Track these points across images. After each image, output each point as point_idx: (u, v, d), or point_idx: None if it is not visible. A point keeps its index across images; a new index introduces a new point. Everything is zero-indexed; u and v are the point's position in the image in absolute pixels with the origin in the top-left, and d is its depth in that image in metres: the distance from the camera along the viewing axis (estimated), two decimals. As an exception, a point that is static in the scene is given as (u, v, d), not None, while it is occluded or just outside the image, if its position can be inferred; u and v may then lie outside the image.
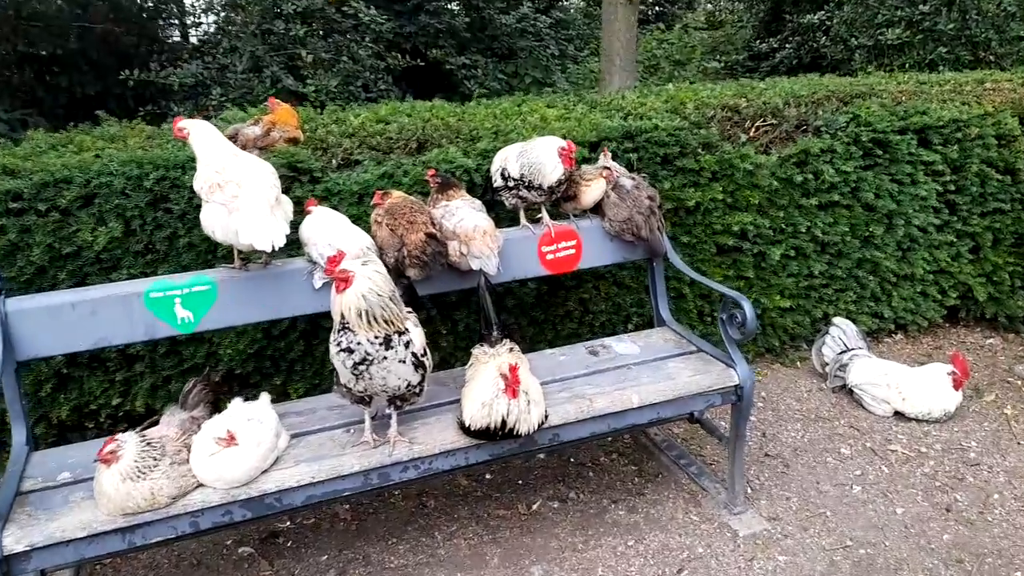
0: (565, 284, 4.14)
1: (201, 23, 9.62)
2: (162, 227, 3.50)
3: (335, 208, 3.62)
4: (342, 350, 2.48)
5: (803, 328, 4.68)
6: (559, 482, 3.62)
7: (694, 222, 4.25)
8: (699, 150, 4.17)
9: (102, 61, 8.40)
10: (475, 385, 2.79)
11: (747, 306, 3.07)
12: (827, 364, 4.41)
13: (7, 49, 8.01)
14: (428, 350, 2.68)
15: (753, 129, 4.41)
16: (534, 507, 3.44)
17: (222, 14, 9.12)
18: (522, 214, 3.50)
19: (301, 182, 3.62)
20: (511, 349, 2.98)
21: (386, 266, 3.02)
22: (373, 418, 2.79)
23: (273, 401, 3.75)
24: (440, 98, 9.62)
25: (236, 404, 2.77)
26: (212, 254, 3.53)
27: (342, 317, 2.46)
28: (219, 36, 8.61)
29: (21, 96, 8.11)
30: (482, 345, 3.04)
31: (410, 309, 2.78)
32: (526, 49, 10.53)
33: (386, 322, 2.47)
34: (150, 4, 9.63)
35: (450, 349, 3.97)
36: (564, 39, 11.93)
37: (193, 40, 9.57)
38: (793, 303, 4.58)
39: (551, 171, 3.24)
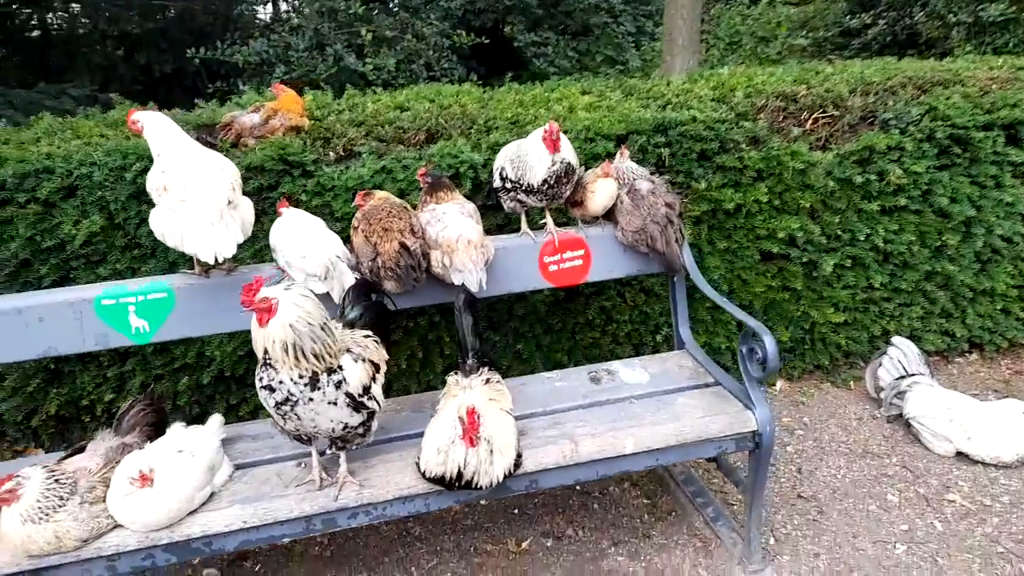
0: (584, 291, 3.58)
1: (268, 2, 9.33)
2: (146, 222, 3.12)
3: (328, 205, 3.20)
4: (263, 387, 2.03)
5: (859, 344, 3.97)
6: (558, 514, 3.12)
7: (735, 225, 3.60)
8: (743, 145, 3.51)
9: (179, 39, 8.21)
10: (435, 424, 2.31)
11: (768, 340, 2.45)
12: (882, 389, 3.71)
13: (90, 26, 7.92)
14: (375, 387, 2.20)
15: (810, 121, 3.70)
16: (524, 544, 2.95)
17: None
18: (523, 219, 2.96)
19: (292, 176, 3.18)
20: (487, 380, 2.48)
21: (362, 275, 2.60)
22: (323, 453, 2.35)
23: (249, 415, 3.43)
24: (511, 76, 9.08)
25: (174, 431, 2.37)
26: (201, 251, 3.15)
27: (265, 352, 2.01)
28: (287, 14, 8.30)
29: (103, 73, 8.01)
30: (456, 373, 2.55)
31: (368, 333, 2.31)
32: (599, 26, 9.80)
33: (316, 357, 2.00)
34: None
35: (455, 357, 3.48)
36: (643, 15, 11.10)
37: (264, 18, 9.28)
38: (848, 317, 3.87)
39: (537, 163, 2.69)
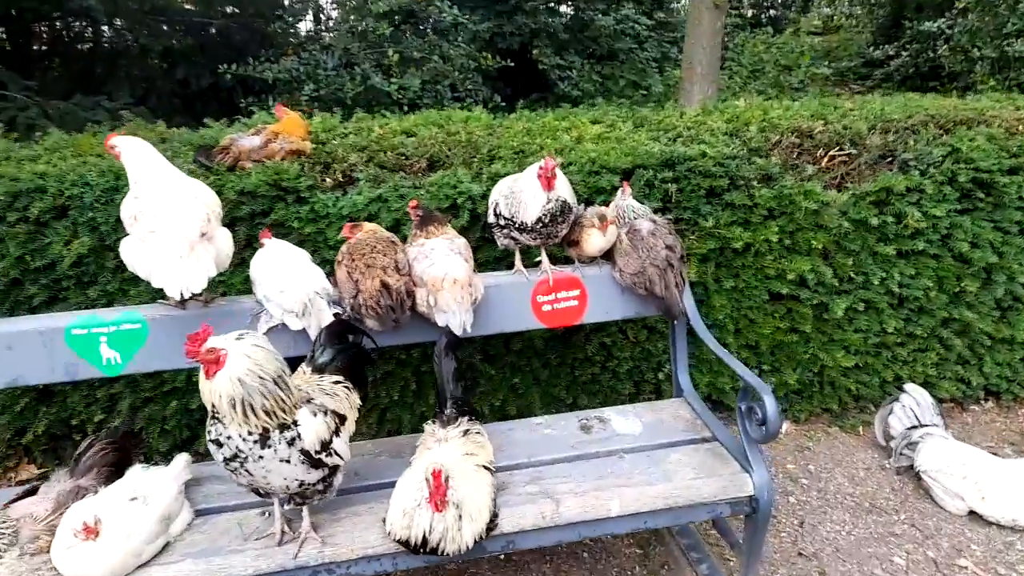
0: (584, 327, 3.29)
1: (303, 20, 9.14)
2: (137, 244, 2.91)
3: (322, 233, 2.96)
4: (211, 441, 1.78)
5: (870, 389, 3.62)
6: (545, 562, 2.83)
7: (743, 264, 3.29)
8: (754, 182, 3.20)
9: (217, 55, 8.06)
10: (404, 481, 2.04)
11: (769, 401, 2.15)
12: (892, 438, 3.36)
13: (131, 40, 7.81)
14: (338, 440, 1.93)
15: (826, 159, 3.38)
16: (507, 597, 2.68)
17: (330, 12, 8.65)
18: (517, 256, 2.69)
19: (286, 202, 2.94)
20: (465, 432, 2.20)
21: (345, 311, 2.35)
22: (284, 504, 2.09)
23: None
24: (536, 98, 8.78)
25: (131, 474, 2.13)
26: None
27: (213, 407, 1.76)
28: (319, 32, 8.14)
29: (143, 85, 7.89)
30: (434, 422, 2.28)
31: (339, 379, 2.06)
32: (624, 51, 9.48)
33: (267, 413, 1.75)
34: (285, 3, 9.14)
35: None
36: (667, 41, 10.75)
37: (302, 34, 9.09)
38: (859, 361, 3.53)
39: (531, 200, 2.42)
